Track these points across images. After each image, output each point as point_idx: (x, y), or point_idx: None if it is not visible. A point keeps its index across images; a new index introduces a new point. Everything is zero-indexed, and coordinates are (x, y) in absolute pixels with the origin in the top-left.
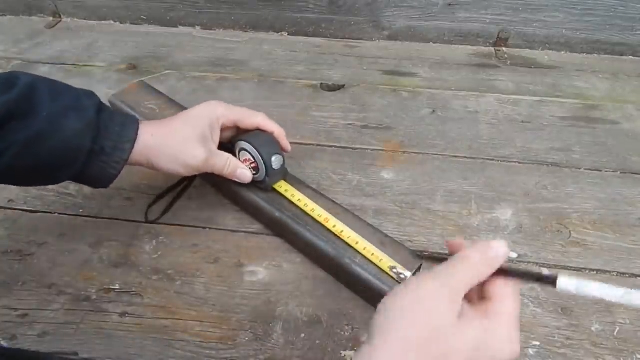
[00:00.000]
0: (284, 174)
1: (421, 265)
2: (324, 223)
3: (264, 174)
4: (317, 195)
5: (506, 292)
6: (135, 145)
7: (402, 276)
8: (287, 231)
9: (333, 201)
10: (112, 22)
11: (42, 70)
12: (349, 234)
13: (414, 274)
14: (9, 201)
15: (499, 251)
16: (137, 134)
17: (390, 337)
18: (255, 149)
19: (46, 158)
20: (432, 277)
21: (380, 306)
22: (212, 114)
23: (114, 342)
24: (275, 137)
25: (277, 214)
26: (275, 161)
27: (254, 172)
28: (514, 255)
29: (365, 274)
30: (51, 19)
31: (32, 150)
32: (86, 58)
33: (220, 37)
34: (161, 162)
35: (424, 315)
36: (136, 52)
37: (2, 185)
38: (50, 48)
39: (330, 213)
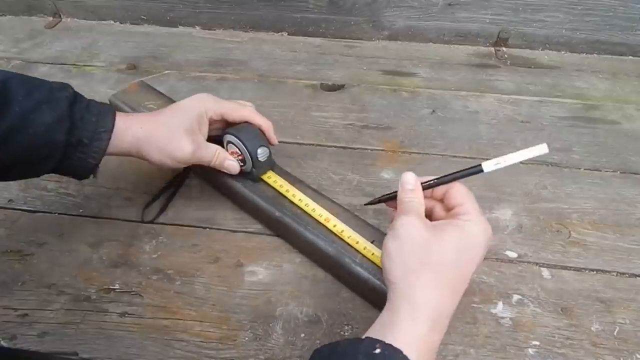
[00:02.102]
0: (271, 166)
1: None
2: (324, 223)
3: (251, 165)
4: (317, 195)
5: (459, 195)
6: (124, 137)
7: None
8: (288, 231)
9: (333, 201)
10: (112, 22)
11: (42, 70)
12: (349, 234)
13: None
14: (9, 201)
15: (405, 179)
16: (113, 123)
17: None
18: (241, 141)
19: (20, 153)
20: (392, 227)
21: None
22: (200, 106)
23: (114, 342)
24: (263, 130)
25: (278, 213)
26: (261, 153)
27: (242, 164)
28: (513, 255)
29: (365, 274)
30: (51, 19)
31: (6, 146)
32: (86, 58)
33: (220, 37)
34: (150, 153)
35: (409, 246)
36: (136, 52)
37: (2, 185)
38: (50, 48)
39: (331, 213)
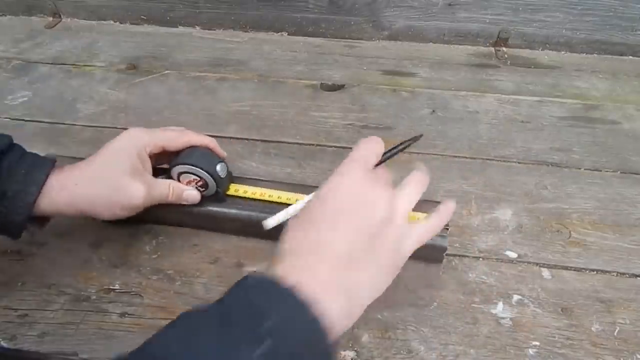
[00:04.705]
0: (231, 179)
1: None
2: None
3: (215, 186)
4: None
5: None
6: (60, 196)
7: None
8: None
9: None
10: (112, 22)
11: (42, 70)
12: None
13: None
14: None
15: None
16: (47, 176)
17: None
18: (196, 166)
19: None
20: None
21: None
22: (138, 143)
23: (114, 342)
24: (210, 148)
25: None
26: (221, 169)
27: (203, 189)
28: (513, 255)
29: None
30: (51, 19)
31: None
32: (86, 58)
33: (220, 37)
34: (98, 212)
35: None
36: (136, 52)
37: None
38: (50, 48)
39: None
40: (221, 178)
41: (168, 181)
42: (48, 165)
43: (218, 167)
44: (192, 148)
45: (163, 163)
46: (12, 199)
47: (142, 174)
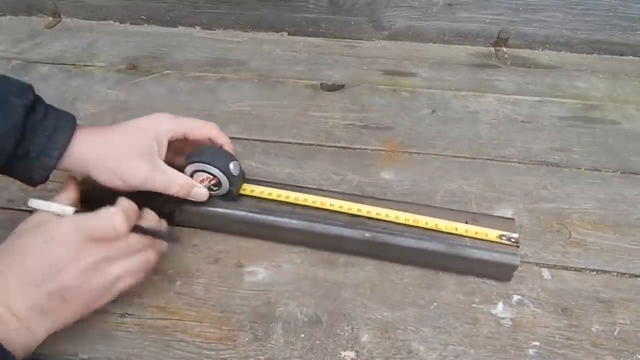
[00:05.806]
0: (244, 178)
1: (514, 220)
2: (414, 224)
3: (228, 184)
4: (392, 203)
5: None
6: (71, 154)
7: (512, 239)
8: (382, 248)
9: (402, 201)
10: (112, 22)
11: (42, 70)
12: (445, 224)
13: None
14: (8, 201)
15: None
16: (69, 140)
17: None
18: (210, 164)
19: None
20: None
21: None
22: (160, 127)
23: (114, 342)
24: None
25: (367, 234)
26: (234, 168)
27: (216, 188)
28: None
29: (481, 253)
30: (51, 19)
31: None
32: (86, 58)
33: (220, 37)
34: (99, 176)
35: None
36: (136, 52)
37: (3, 185)
38: (50, 48)
39: (411, 213)
40: (234, 176)
41: (180, 174)
42: (70, 127)
43: (231, 165)
44: (204, 147)
45: (178, 152)
46: (34, 159)
47: (152, 157)
